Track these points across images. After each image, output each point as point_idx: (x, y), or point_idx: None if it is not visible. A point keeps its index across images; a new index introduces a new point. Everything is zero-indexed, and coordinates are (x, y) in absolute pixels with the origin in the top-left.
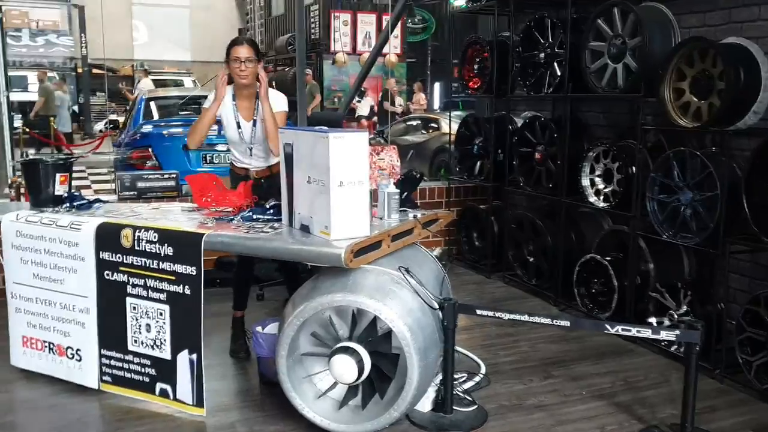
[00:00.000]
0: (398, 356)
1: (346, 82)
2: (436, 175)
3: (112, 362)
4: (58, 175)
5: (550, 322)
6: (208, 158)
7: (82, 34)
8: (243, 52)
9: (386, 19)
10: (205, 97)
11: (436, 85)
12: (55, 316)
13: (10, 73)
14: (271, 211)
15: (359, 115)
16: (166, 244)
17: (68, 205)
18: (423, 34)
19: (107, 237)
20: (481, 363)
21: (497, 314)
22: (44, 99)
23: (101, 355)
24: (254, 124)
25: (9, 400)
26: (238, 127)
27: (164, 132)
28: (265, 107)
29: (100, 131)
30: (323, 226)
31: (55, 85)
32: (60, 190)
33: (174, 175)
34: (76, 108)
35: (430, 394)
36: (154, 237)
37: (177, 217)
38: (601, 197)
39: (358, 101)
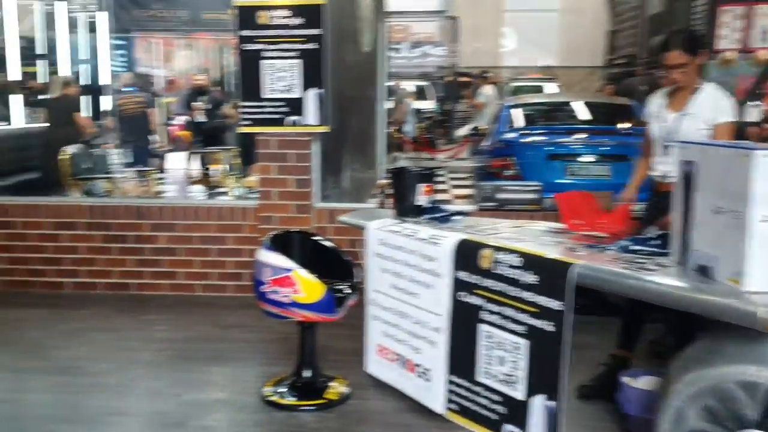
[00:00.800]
0: None
1: (731, 84)
2: None
3: (460, 390)
4: (422, 186)
5: None
6: (572, 170)
7: (455, 44)
8: (671, 58)
9: None
10: (568, 104)
11: None
12: (407, 329)
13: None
14: (657, 242)
15: (745, 122)
16: (528, 271)
17: (429, 216)
18: None
19: (465, 255)
20: None
21: None
22: (401, 106)
23: (449, 381)
24: (682, 117)
25: (363, 409)
26: (662, 121)
27: (528, 140)
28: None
29: (463, 137)
30: (732, 272)
31: (406, 93)
32: (422, 200)
33: (537, 188)
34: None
35: None
36: (517, 261)
37: (541, 239)
38: None
39: (757, 105)
